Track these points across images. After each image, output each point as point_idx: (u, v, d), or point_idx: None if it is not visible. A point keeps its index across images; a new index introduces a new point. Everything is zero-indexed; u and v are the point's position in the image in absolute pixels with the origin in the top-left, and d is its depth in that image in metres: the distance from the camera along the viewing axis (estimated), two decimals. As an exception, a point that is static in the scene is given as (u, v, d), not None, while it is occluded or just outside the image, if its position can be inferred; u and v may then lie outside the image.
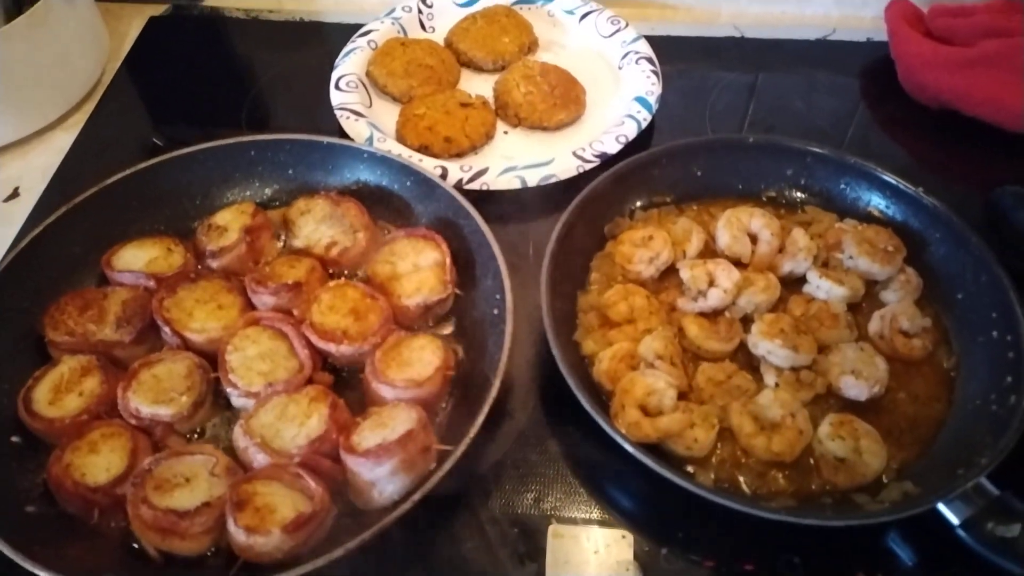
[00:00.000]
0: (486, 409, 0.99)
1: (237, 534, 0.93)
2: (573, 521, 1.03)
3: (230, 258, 1.22)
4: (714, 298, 1.15)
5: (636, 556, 0.99)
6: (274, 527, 0.92)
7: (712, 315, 1.16)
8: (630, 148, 1.39)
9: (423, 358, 1.10)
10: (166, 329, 1.12)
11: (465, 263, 1.20)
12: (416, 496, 0.93)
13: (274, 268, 1.20)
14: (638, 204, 1.30)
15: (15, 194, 1.46)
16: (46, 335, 1.12)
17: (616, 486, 1.07)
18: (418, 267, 1.20)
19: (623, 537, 1.01)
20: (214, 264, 1.22)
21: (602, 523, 1.03)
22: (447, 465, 0.95)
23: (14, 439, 1.06)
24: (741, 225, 1.23)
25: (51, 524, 1.00)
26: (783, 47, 1.69)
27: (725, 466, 1.03)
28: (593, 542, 1.01)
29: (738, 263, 1.21)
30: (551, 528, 1.02)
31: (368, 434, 1.01)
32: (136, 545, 0.98)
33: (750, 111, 1.56)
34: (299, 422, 1.03)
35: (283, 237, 1.29)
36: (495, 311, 1.12)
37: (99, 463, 1.01)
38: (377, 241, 1.25)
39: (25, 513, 1.00)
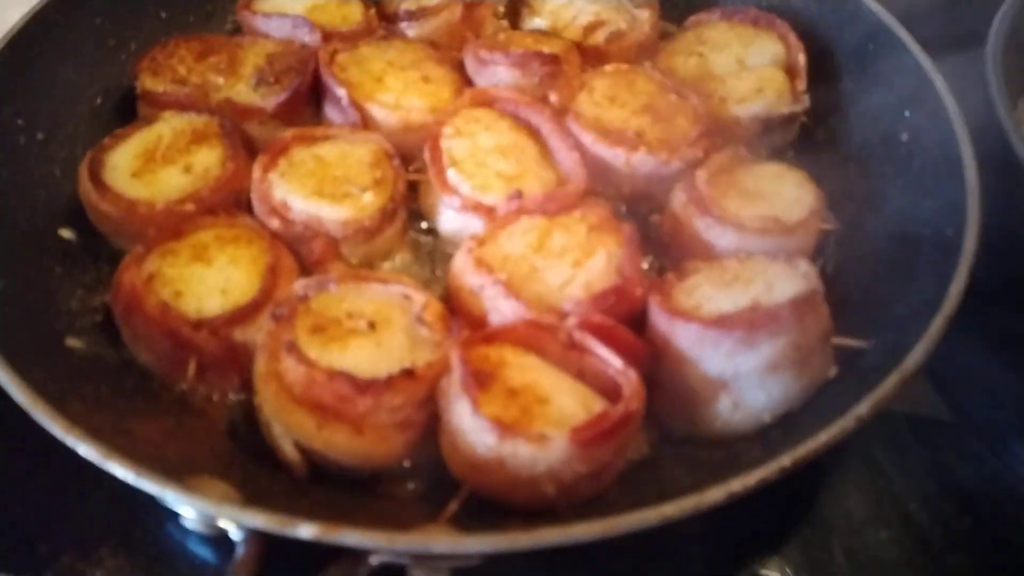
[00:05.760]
0: (962, 282, 0.50)
1: (482, 433, 0.44)
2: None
3: (436, 25, 0.80)
4: None
5: None
6: (553, 429, 0.44)
7: None
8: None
9: (783, 193, 0.65)
10: (340, 93, 0.66)
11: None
12: (862, 410, 0.44)
13: (511, 39, 0.73)
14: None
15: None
16: (139, 84, 0.68)
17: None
18: (744, 65, 0.74)
19: None
20: (410, 31, 0.80)
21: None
22: (911, 362, 0.46)
23: (64, 233, 0.61)
24: None
25: (104, 374, 0.55)
26: None
27: None
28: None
29: None
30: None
31: (708, 291, 0.53)
32: (253, 439, 0.50)
33: None
34: (572, 260, 0.56)
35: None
36: (902, 136, 0.65)
37: (208, 280, 0.56)
38: (658, 26, 0.79)
39: (64, 348, 0.55)
